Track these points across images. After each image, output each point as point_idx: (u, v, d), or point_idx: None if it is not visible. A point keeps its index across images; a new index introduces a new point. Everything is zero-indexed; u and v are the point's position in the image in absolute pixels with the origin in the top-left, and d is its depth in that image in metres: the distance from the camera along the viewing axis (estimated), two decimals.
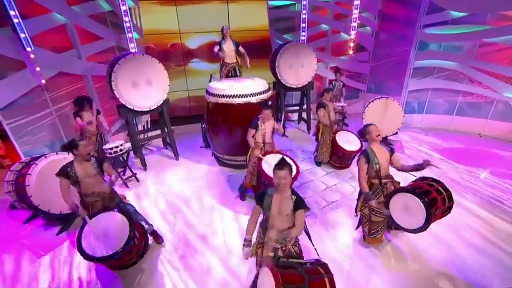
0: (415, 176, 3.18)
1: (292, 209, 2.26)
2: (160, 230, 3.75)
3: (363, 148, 4.94)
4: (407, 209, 2.84)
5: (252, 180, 4.17)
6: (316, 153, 5.30)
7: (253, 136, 4.10)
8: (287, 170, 2.20)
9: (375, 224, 3.25)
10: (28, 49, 4.47)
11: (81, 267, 3.27)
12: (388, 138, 6.10)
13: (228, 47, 5.63)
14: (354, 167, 5.19)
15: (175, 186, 4.88)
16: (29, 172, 3.48)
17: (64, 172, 2.86)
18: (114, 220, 2.97)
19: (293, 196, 2.27)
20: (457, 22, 5.95)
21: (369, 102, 6.02)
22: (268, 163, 3.93)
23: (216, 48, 5.59)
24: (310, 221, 3.89)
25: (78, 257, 3.40)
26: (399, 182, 3.15)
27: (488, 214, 3.88)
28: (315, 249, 2.42)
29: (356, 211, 3.36)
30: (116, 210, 3.02)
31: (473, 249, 3.32)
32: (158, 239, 3.59)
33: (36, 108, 4.95)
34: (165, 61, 6.77)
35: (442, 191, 2.88)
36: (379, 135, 3.02)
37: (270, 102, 4.27)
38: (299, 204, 2.27)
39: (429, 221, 2.68)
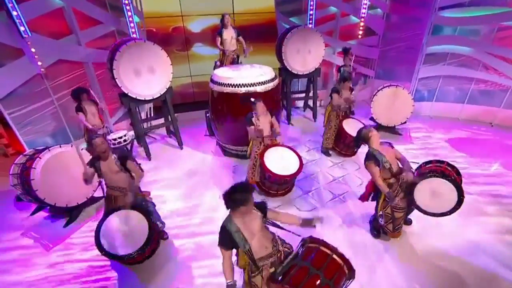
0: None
1: (262, 218, 2.06)
2: (165, 220, 3.74)
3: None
4: (433, 194, 2.83)
5: (254, 175, 4.10)
6: (322, 140, 5.21)
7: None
8: (247, 196, 1.89)
9: (398, 220, 3.20)
10: (25, 36, 4.29)
11: (92, 260, 3.30)
12: (396, 127, 5.97)
13: (229, 35, 5.41)
14: (360, 157, 5.13)
15: (180, 176, 4.84)
16: (33, 166, 3.43)
17: (91, 163, 2.93)
18: (133, 219, 3.01)
19: (254, 208, 2.04)
20: (476, 4, 5.60)
21: (378, 90, 5.84)
22: (269, 159, 3.84)
23: (218, 41, 5.40)
24: (317, 214, 3.87)
25: (87, 250, 3.44)
26: (412, 168, 3.03)
27: (495, 207, 3.82)
28: (291, 232, 2.27)
29: (376, 211, 3.27)
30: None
31: (481, 240, 3.30)
32: (164, 235, 3.60)
33: (37, 97, 4.85)
34: (167, 45, 6.57)
35: (449, 168, 3.01)
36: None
37: (252, 99, 3.92)
38: (263, 208, 2.11)
39: (461, 193, 2.72)
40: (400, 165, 3.03)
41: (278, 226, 2.23)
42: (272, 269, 2.13)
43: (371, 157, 2.89)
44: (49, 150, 3.61)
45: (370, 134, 2.90)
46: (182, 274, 3.11)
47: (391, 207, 3.10)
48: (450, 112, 6.66)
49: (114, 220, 2.98)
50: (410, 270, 3.03)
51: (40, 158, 3.50)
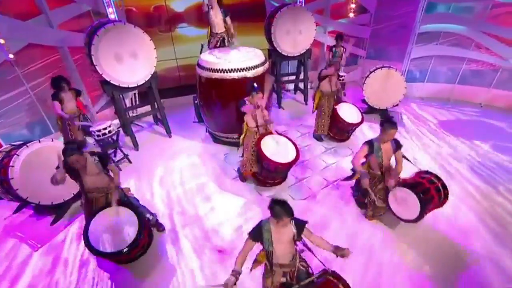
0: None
1: (295, 233, 2.09)
2: (158, 213, 3.65)
3: (363, 122, 4.83)
4: (404, 201, 3.03)
5: (252, 167, 4.00)
6: (315, 125, 5.11)
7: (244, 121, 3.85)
8: (286, 215, 1.95)
9: (379, 209, 3.34)
10: None
11: (83, 258, 3.20)
12: (389, 109, 5.93)
13: (216, 16, 4.99)
14: (352, 142, 5.11)
15: (170, 166, 4.70)
16: (11, 164, 3.20)
17: (67, 167, 2.64)
18: (121, 215, 2.90)
19: (292, 221, 2.07)
20: None
21: (370, 72, 5.72)
22: (266, 147, 3.73)
23: (205, 8, 4.88)
24: (311, 202, 3.86)
25: (77, 249, 3.32)
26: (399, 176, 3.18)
27: (487, 189, 3.91)
28: (318, 259, 2.31)
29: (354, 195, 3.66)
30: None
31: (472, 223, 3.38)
32: (160, 227, 3.52)
33: (8, 86, 4.48)
34: (149, 26, 6.17)
35: (435, 180, 3.08)
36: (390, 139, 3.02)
37: (255, 84, 3.74)
38: (300, 226, 2.12)
39: (424, 209, 2.91)
40: (393, 166, 3.18)
41: (309, 249, 2.25)
42: (283, 279, 2.20)
43: (370, 145, 3.05)
44: (27, 146, 3.36)
45: (391, 131, 2.90)
46: (176, 268, 3.06)
47: (373, 193, 3.24)
48: (441, 93, 6.65)
49: (102, 219, 2.86)
50: (411, 258, 3.08)
51: (18, 155, 3.26)
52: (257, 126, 3.82)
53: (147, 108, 5.64)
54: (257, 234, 2.09)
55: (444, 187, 3.09)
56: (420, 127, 5.57)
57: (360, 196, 3.60)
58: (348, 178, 3.70)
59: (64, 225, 3.68)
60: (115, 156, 4.84)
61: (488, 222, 3.44)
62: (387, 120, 2.97)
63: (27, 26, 4.47)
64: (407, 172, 3.22)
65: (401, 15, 6.68)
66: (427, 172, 3.24)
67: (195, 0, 6.46)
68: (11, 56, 4.24)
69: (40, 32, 4.65)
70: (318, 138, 5.21)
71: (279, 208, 1.94)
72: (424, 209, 2.92)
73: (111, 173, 2.98)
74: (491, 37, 5.74)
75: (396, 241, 3.25)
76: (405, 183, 3.07)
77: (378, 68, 5.64)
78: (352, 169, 3.58)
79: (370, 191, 3.21)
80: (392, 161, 3.18)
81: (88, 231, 2.76)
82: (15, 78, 4.52)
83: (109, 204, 2.92)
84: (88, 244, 2.70)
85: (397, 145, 3.08)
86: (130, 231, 2.85)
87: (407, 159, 3.16)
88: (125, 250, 2.73)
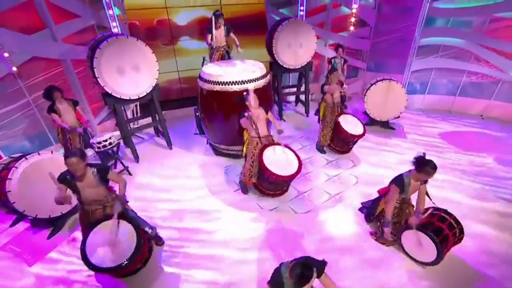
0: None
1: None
2: (157, 227, 3.57)
3: (365, 134, 4.80)
4: (419, 244, 2.92)
5: (252, 176, 3.96)
6: (318, 137, 5.08)
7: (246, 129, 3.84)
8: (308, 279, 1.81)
9: (385, 240, 3.23)
10: None
11: (78, 274, 3.10)
12: (390, 121, 5.91)
13: (220, 34, 5.12)
14: (354, 154, 5.07)
15: (170, 179, 4.64)
16: (9, 177, 3.16)
17: (62, 179, 2.58)
18: (119, 228, 2.82)
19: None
20: None
21: (371, 85, 5.74)
22: (268, 159, 3.70)
23: (209, 38, 5.05)
24: (314, 215, 3.79)
25: (74, 263, 3.23)
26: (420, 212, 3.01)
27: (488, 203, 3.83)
28: None
29: (366, 220, 3.54)
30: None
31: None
32: (159, 240, 3.43)
33: (10, 98, 4.49)
34: (152, 39, 6.26)
35: (454, 225, 2.91)
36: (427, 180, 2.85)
37: (245, 93, 3.85)
38: (320, 269, 2.01)
39: (440, 258, 2.82)
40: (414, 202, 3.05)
41: None
42: None
43: (400, 184, 2.84)
44: (26, 158, 3.33)
45: (433, 173, 2.69)
46: (175, 282, 2.96)
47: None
48: (442, 105, 6.65)
49: (100, 232, 2.78)
50: (415, 274, 2.99)
51: (17, 167, 3.22)
52: (258, 137, 3.78)
53: (148, 120, 5.64)
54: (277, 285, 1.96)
55: (457, 222, 2.93)
56: (422, 139, 5.53)
57: (371, 214, 3.46)
58: (368, 218, 3.56)
59: (62, 238, 3.60)
60: (115, 168, 4.80)
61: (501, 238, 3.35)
62: (427, 163, 2.67)
63: (31, 40, 4.52)
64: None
65: (401, 29, 6.78)
66: (437, 209, 3.05)
67: (197, 14, 6.57)
68: (14, 69, 4.27)
69: (44, 46, 4.70)
70: (321, 150, 5.18)
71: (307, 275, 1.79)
72: (441, 253, 2.78)
73: (111, 184, 2.90)
74: (490, 50, 5.79)
75: (406, 261, 3.14)
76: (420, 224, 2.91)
77: (379, 80, 5.67)
78: (373, 202, 3.47)
79: (389, 236, 3.09)
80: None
81: (85, 245, 2.68)
82: (18, 90, 4.55)
83: (107, 216, 2.85)
84: (85, 259, 2.62)
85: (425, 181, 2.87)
86: (129, 245, 2.76)
87: (427, 195, 2.96)
88: (124, 264, 2.65)
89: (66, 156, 2.48)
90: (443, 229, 2.83)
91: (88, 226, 2.82)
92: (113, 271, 2.72)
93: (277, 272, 2.00)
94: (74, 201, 3.66)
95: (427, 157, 2.71)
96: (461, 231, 2.93)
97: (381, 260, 3.14)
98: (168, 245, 3.42)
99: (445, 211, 3.02)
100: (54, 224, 3.69)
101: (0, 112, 4.41)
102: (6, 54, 4.11)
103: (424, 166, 2.67)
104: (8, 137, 4.54)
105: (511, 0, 5.23)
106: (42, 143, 4.97)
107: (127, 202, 3.23)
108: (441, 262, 2.88)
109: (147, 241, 3.24)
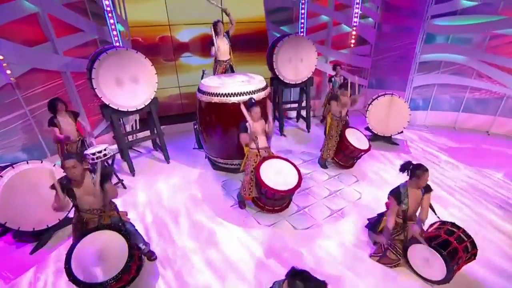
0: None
1: None
2: (150, 241, 3.35)
3: (370, 149, 4.65)
4: (426, 260, 2.69)
5: (252, 191, 3.76)
6: (321, 151, 4.92)
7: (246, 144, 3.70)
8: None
9: (389, 260, 2.97)
10: None
11: None
12: (393, 137, 5.76)
13: (222, 44, 5.13)
14: (357, 169, 4.88)
15: (166, 193, 4.46)
16: None
17: (61, 184, 2.45)
18: (110, 241, 2.61)
19: None
20: (467, 13, 5.57)
21: (372, 100, 5.66)
22: (266, 173, 3.53)
23: (213, 50, 5.07)
24: (314, 232, 3.54)
25: (54, 280, 2.99)
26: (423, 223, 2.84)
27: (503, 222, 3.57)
28: None
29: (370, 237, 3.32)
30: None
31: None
32: (151, 256, 3.21)
33: (7, 109, 4.44)
34: (154, 55, 6.30)
35: (464, 238, 2.67)
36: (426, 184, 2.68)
37: (254, 99, 3.83)
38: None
39: (450, 274, 2.55)
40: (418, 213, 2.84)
41: None
42: None
43: (396, 194, 2.75)
44: (13, 167, 3.20)
45: (426, 174, 2.62)
46: None
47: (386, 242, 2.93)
48: (446, 121, 6.53)
49: (89, 243, 2.58)
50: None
51: (1, 176, 3.09)
52: (257, 149, 3.64)
53: (146, 133, 5.55)
54: None
55: (467, 236, 2.71)
56: (427, 155, 5.34)
57: (374, 231, 3.27)
58: (371, 235, 3.38)
59: (46, 253, 3.37)
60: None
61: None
62: (417, 167, 2.64)
63: (32, 52, 4.55)
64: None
65: (401, 46, 6.83)
66: (443, 223, 2.87)
67: (199, 32, 6.70)
68: (12, 79, 4.26)
69: (45, 58, 4.73)
70: (323, 165, 4.99)
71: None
72: (451, 268, 2.52)
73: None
74: (492, 66, 5.74)
75: (412, 280, 2.87)
76: (426, 238, 2.72)
77: (381, 95, 5.59)
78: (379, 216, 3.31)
79: (387, 246, 2.93)
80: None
81: (71, 256, 2.48)
82: (15, 101, 4.51)
83: (101, 226, 2.67)
84: (68, 269, 2.41)
85: (426, 189, 2.72)
86: (118, 263, 2.54)
87: (432, 208, 2.81)
88: (108, 282, 2.42)
89: (64, 159, 2.41)
90: (451, 242, 2.60)
91: (79, 235, 2.64)
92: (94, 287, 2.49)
93: None
94: (62, 215, 3.56)
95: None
96: (474, 245, 2.69)
97: (386, 280, 2.86)
98: (160, 260, 3.19)
99: (453, 224, 2.80)
100: (39, 238, 3.48)
101: None
102: (5, 65, 4.11)
103: (414, 170, 2.65)
104: (2, 147, 4.45)
105: (511, 17, 5.25)
106: (36, 154, 4.86)
107: (126, 214, 3.05)
108: (453, 282, 2.61)
109: (138, 259, 3.00)
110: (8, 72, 4.17)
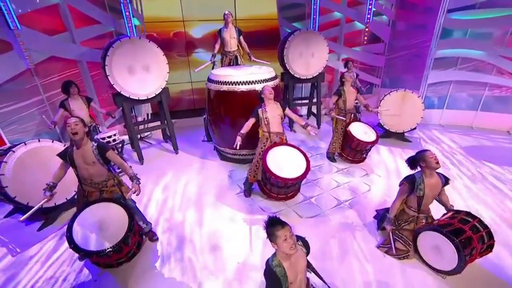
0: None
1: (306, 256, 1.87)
2: (155, 229, 3.35)
3: (378, 141, 4.50)
4: (437, 249, 2.55)
5: (257, 174, 3.71)
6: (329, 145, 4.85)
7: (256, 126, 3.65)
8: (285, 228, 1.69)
9: (397, 251, 2.82)
10: (13, 28, 4.12)
11: (64, 265, 2.89)
12: (406, 134, 5.58)
13: (229, 35, 5.18)
14: (367, 163, 4.74)
15: (172, 181, 4.47)
16: (4, 160, 3.11)
17: (63, 154, 2.60)
18: (113, 213, 2.67)
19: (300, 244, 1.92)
20: (486, 6, 5.38)
21: (385, 95, 5.52)
22: (273, 158, 3.48)
23: (218, 42, 5.24)
24: (320, 221, 3.44)
25: (60, 255, 3.03)
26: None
27: None
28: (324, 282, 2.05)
29: (378, 227, 3.23)
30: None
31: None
32: (153, 236, 3.22)
33: (25, 95, 4.62)
34: (168, 50, 6.41)
35: (480, 227, 2.51)
36: (438, 162, 2.51)
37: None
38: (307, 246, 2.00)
39: (462, 264, 2.38)
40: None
41: (317, 274, 2.07)
42: None
43: (411, 179, 2.62)
44: (25, 144, 3.30)
45: (427, 154, 2.53)
46: (163, 280, 2.67)
47: (393, 232, 2.85)
48: (463, 120, 6.27)
49: (90, 214, 2.64)
50: (430, 278, 2.54)
51: (14, 151, 3.19)
52: (268, 132, 3.59)
53: (157, 123, 5.64)
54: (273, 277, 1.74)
55: (484, 226, 2.54)
56: (443, 153, 5.12)
57: (382, 221, 3.13)
58: (379, 225, 3.25)
59: (52, 231, 3.43)
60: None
61: None
62: (419, 152, 2.59)
63: (51, 40, 4.75)
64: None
65: (416, 45, 6.64)
66: (457, 212, 2.70)
67: (212, 28, 6.80)
68: (31, 65, 4.44)
69: (63, 47, 4.92)
70: (331, 158, 4.89)
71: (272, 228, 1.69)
72: (462, 256, 2.35)
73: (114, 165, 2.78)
74: None
75: (421, 270, 2.72)
76: (429, 226, 2.62)
77: (393, 91, 5.45)
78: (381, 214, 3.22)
79: (390, 236, 2.83)
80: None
81: (73, 223, 2.55)
82: (33, 87, 4.69)
83: (103, 199, 2.72)
84: (70, 237, 2.47)
85: (446, 180, 2.64)
86: (118, 233, 2.59)
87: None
88: (107, 250, 2.46)
89: (70, 119, 2.51)
90: (464, 230, 2.43)
91: (81, 206, 2.70)
92: (93, 256, 2.54)
93: (267, 264, 1.80)
94: (70, 194, 3.63)
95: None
96: (490, 236, 2.51)
97: (392, 270, 2.72)
98: (164, 247, 3.15)
99: (468, 213, 2.63)
100: (47, 216, 3.55)
101: (13, 107, 4.52)
102: (25, 51, 4.30)
103: (419, 156, 2.58)
104: (17, 132, 4.61)
105: None
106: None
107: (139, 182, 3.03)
108: (466, 273, 2.44)
109: (138, 234, 3.02)
110: (27, 57, 4.34)
